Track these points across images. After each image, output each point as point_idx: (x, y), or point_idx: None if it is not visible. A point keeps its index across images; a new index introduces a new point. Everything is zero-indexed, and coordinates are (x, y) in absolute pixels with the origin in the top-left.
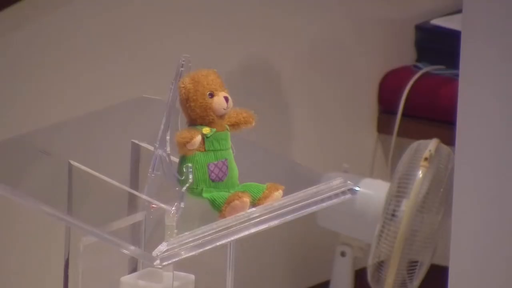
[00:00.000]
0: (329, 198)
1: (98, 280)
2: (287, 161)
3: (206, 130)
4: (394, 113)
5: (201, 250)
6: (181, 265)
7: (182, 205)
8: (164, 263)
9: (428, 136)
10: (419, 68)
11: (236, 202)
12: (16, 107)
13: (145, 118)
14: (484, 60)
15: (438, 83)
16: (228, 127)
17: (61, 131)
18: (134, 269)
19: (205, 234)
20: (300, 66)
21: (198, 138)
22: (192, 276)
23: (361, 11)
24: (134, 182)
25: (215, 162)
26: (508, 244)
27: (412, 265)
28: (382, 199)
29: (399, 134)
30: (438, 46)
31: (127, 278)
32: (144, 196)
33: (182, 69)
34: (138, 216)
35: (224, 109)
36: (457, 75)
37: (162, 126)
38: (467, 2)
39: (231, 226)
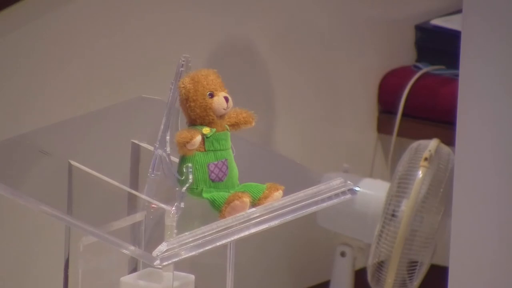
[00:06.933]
0: (329, 198)
1: (98, 280)
2: (287, 161)
3: (206, 130)
4: (394, 113)
5: (201, 250)
6: (181, 265)
7: (182, 205)
8: (164, 263)
9: (428, 136)
10: (419, 68)
11: (236, 202)
12: (16, 107)
13: (145, 118)
14: (484, 60)
15: (438, 83)
16: (228, 127)
17: (61, 131)
18: (134, 269)
19: (205, 234)
20: (300, 66)
21: (198, 138)
22: (192, 276)
23: (361, 11)
24: (134, 182)
25: (215, 162)
26: (508, 244)
27: (412, 265)
28: (382, 199)
29: (399, 134)
30: (438, 46)
31: (127, 278)
32: (144, 196)
33: (182, 69)
34: (138, 216)
35: (224, 109)
36: (457, 75)
37: (162, 126)
38: (467, 2)
39: (231, 226)
